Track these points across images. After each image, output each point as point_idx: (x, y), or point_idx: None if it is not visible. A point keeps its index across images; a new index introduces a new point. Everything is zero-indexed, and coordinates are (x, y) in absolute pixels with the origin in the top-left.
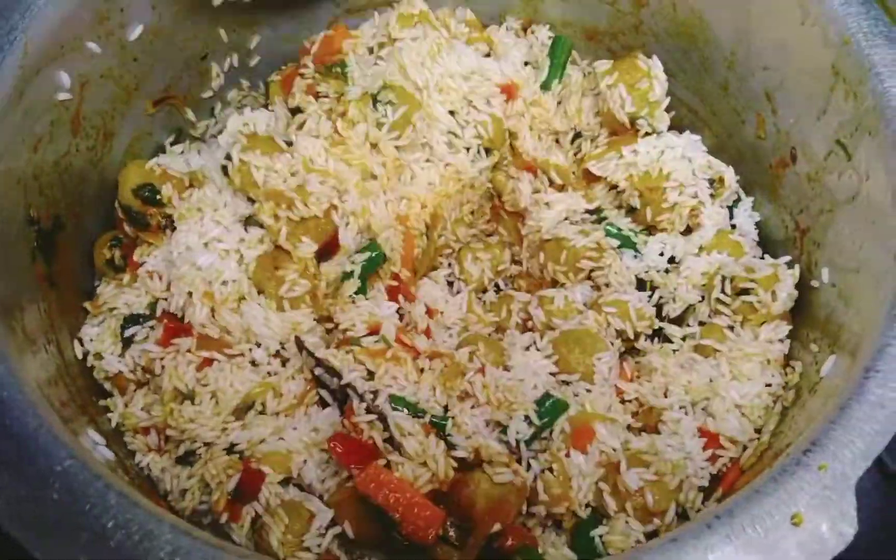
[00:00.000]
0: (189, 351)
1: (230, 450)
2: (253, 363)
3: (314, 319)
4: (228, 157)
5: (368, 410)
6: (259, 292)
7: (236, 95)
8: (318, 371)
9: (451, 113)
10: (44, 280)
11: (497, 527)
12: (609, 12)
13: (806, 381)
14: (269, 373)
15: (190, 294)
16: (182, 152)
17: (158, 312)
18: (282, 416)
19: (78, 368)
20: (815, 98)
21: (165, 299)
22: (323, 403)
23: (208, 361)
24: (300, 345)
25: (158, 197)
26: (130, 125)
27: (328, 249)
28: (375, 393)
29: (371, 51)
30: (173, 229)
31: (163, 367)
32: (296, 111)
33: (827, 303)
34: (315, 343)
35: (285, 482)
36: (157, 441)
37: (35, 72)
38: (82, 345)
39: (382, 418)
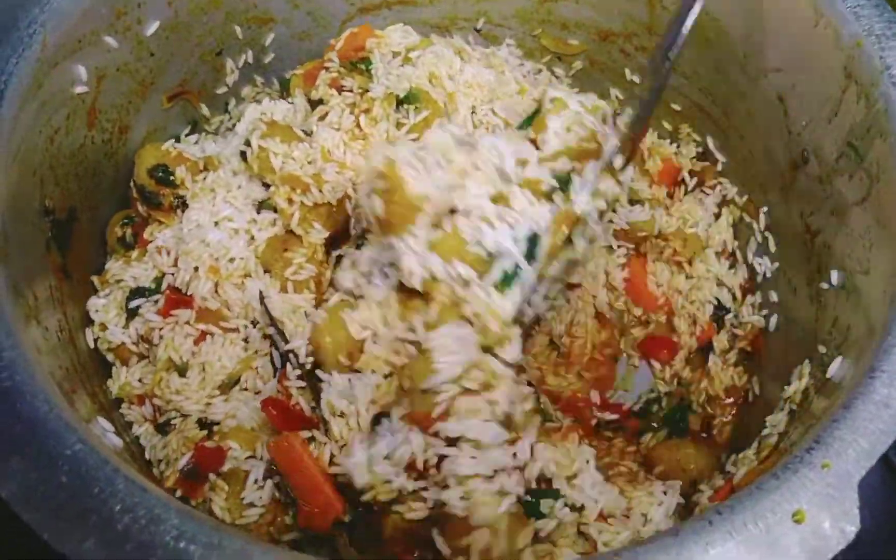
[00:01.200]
0: (188, 323)
1: (203, 423)
2: (246, 341)
3: (314, 306)
4: (248, 143)
5: (301, 377)
6: (265, 272)
7: (250, 92)
8: (271, 330)
9: (473, 111)
10: (58, 270)
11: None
12: (622, 14)
13: (813, 382)
14: (256, 351)
15: (196, 268)
16: (197, 142)
17: (164, 287)
18: (259, 395)
19: (89, 356)
20: (827, 100)
21: (172, 274)
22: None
23: (205, 336)
24: (261, 299)
25: (172, 178)
26: (145, 119)
27: (338, 238)
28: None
29: (395, 55)
30: (185, 210)
31: (161, 336)
32: (317, 104)
33: (836, 305)
34: (276, 303)
35: (251, 459)
36: (151, 411)
37: (53, 65)
38: (92, 322)
39: (316, 392)
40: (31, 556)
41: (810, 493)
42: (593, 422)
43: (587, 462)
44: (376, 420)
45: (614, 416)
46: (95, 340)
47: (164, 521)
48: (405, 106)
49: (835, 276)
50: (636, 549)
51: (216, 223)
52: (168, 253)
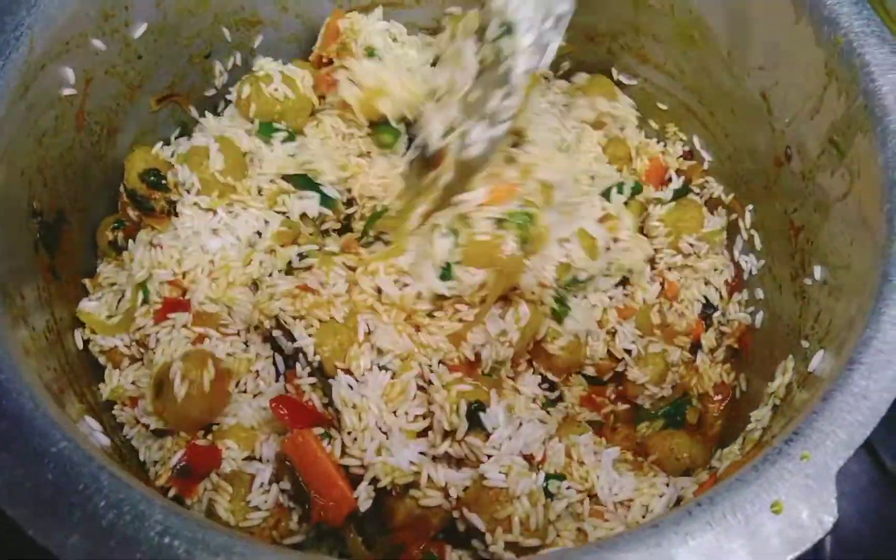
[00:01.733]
0: (185, 326)
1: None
2: (246, 344)
3: None
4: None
5: (312, 374)
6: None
7: None
8: (275, 333)
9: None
10: (46, 271)
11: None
12: (608, 14)
13: (796, 376)
14: (256, 355)
15: (191, 272)
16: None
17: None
18: (259, 396)
19: (77, 358)
20: (808, 97)
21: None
22: (277, 375)
23: (203, 338)
24: None
25: (164, 182)
26: (134, 121)
27: None
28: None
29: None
30: (176, 215)
31: (157, 340)
32: None
33: (818, 300)
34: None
35: (250, 459)
36: (144, 413)
37: (40, 67)
38: (83, 326)
39: (328, 388)
40: (23, 556)
41: (789, 485)
42: (610, 419)
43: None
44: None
45: (626, 407)
46: (86, 342)
47: (148, 517)
48: None
49: (818, 272)
50: (616, 539)
51: (214, 230)
52: (161, 248)
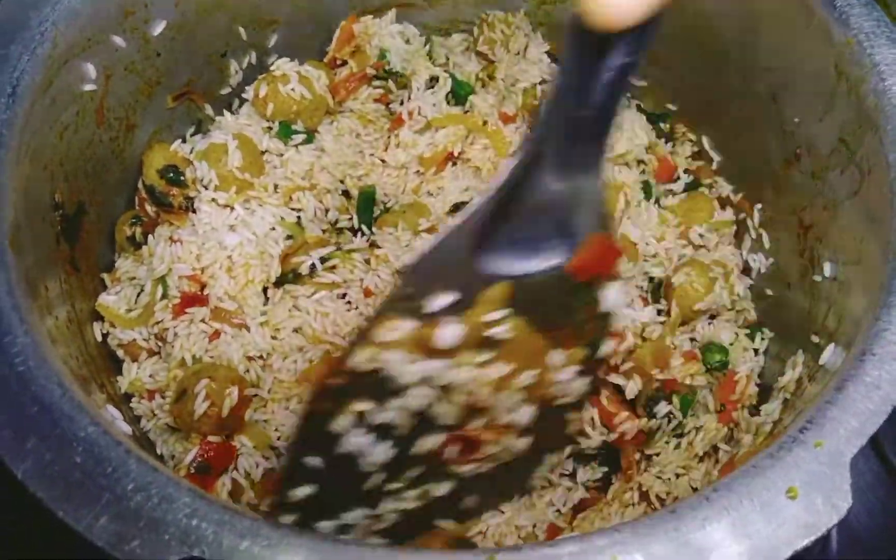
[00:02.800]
0: (203, 321)
1: None
2: None
3: None
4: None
5: None
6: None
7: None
8: None
9: None
10: (67, 263)
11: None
12: None
13: (806, 371)
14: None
15: (208, 268)
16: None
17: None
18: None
19: (97, 350)
20: (818, 98)
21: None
22: None
23: (219, 334)
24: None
25: (182, 178)
26: (152, 118)
27: None
28: None
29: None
30: (194, 211)
31: (175, 334)
32: None
33: (828, 296)
34: None
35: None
36: (162, 406)
37: (63, 62)
38: (102, 321)
39: None
40: (31, 556)
41: (803, 472)
42: None
43: None
44: None
45: None
46: (105, 335)
47: (176, 500)
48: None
49: (827, 269)
50: (635, 524)
51: (231, 226)
52: (181, 243)
